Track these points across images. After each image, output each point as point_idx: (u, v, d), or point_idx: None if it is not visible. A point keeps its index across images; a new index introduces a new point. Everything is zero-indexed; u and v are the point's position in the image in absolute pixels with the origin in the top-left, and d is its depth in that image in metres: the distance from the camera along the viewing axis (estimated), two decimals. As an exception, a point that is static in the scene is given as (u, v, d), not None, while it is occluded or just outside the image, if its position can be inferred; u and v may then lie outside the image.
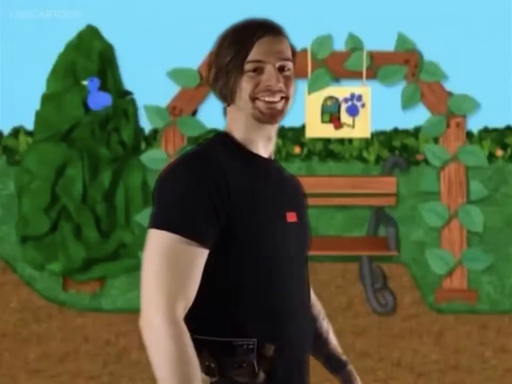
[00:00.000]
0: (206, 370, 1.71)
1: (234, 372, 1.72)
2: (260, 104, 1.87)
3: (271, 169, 1.94)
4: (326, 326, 2.13)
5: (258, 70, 1.88)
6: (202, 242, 1.67)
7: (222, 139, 1.89)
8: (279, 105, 1.89)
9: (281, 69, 1.89)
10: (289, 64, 1.91)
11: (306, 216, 2.02)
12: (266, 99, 1.87)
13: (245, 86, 1.87)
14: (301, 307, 1.89)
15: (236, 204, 1.73)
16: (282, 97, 1.88)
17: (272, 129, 1.94)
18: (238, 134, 1.92)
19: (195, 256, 1.67)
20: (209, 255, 1.70)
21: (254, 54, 1.87)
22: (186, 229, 1.66)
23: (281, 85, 1.87)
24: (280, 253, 1.84)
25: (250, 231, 1.76)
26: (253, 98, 1.87)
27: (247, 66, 1.87)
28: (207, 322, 1.74)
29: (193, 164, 1.74)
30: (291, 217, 1.90)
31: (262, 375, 1.75)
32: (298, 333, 1.86)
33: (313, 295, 2.11)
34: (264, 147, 1.94)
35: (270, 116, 1.88)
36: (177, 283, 1.63)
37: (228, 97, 1.90)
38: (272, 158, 1.99)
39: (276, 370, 1.78)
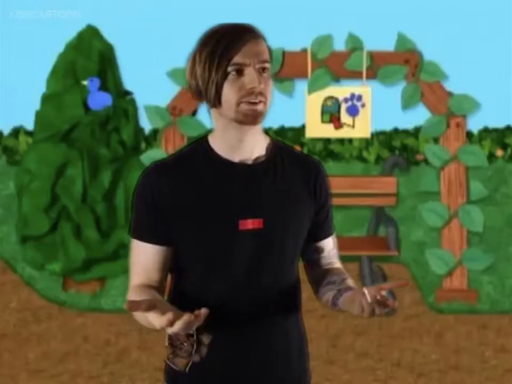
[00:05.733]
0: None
1: (174, 350, 2.08)
2: (243, 107, 1.96)
3: (238, 174, 2.03)
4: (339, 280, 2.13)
5: (239, 73, 1.95)
6: (147, 241, 2.07)
7: (199, 143, 2.06)
8: (260, 107, 1.97)
9: (262, 70, 1.97)
10: (268, 66, 1.98)
11: (289, 220, 2.07)
12: (251, 101, 1.95)
13: (229, 90, 1.95)
14: (252, 307, 2.05)
15: (176, 211, 2.02)
16: (261, 101, 1.96)
17: (247, 132, 2.02)
18: (214, 137, 2.05)
19: (141, 250, 2.08)
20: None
21: (237, 57, 1.94)
22: (135, 233, 2.08)
23: (262, 86, 1.95)
24: (218, 258, 2.03)
25: (189, 237, 2.04)
26: (238, 103, 1.96)
27: (230, 69, 1.94)
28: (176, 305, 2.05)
29: (142, 179, 2.06)
30: (247, 224, 2.02)
31: (196, 358, 2.05)
32: (239, 337, 2.06)
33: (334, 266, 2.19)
34: (239, 151, 2.04)
35: (252, 117, 1.96)
36: (133, 268, 2.11)
37: (211, 101, 1.99)
38: (263, 159, 2.06)
39: (207, 359, 2.05)
